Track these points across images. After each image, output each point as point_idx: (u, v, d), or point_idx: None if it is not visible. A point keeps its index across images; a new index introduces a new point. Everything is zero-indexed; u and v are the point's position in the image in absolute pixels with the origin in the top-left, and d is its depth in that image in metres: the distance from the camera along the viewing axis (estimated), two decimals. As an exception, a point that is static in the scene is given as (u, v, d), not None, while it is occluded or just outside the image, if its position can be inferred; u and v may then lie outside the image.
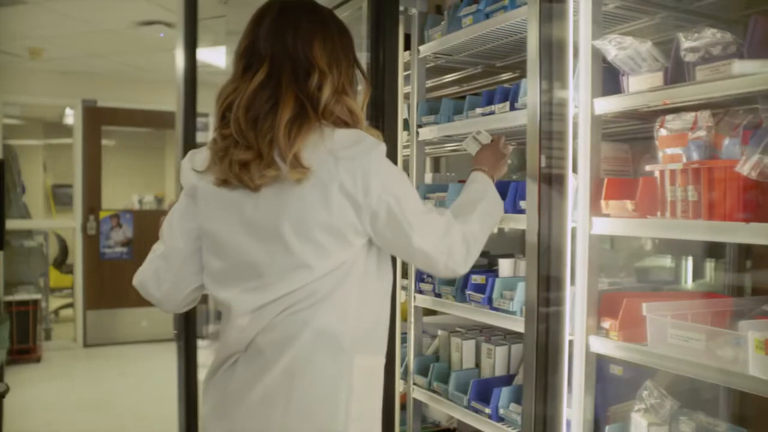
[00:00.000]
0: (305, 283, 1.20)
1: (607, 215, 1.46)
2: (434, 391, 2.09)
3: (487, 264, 2.22)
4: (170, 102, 6.53)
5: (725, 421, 1.52)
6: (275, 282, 1.21)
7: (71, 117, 7.04)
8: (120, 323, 6.06)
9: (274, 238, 1.20)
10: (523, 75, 2.23)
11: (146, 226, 6.25)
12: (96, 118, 6.04)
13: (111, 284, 6.02)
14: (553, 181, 1.44)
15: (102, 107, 6.06)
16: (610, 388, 1.65)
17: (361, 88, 1.36)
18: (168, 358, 5.72)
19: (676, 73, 1.34)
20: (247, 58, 1.25)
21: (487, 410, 1.85)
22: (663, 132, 1.37)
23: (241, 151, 1.18)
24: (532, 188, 1.45)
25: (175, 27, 4.32)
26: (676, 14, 1.68)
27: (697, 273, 1.74)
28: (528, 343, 1.49)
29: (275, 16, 1.26)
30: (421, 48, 2.15)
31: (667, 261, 1.79)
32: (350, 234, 1.21)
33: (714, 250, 1.74)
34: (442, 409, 2.10)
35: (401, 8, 2.14)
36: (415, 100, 2.19)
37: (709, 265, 1.71)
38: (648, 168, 1.40)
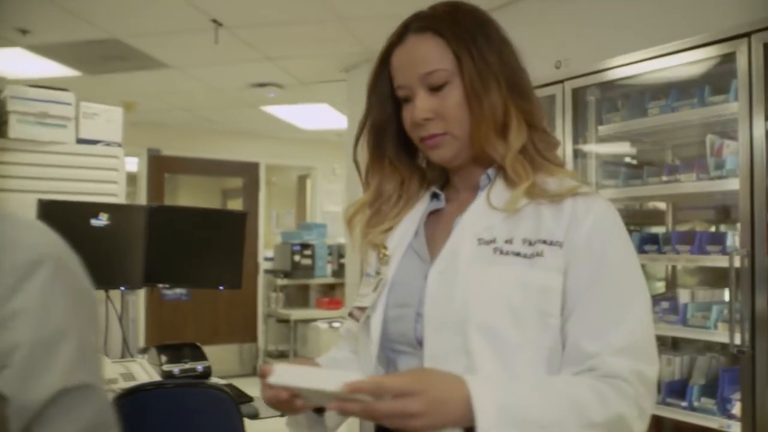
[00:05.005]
0: None
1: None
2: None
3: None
4: (230, 152, 6.93)
5: None
6: None
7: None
8: (177, 361, 6.31)
9: None
10: (655, 147, 2.94)
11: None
12: (160, 166, 6.42)
13: (171, 325, 6.30)
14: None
15: (165, 156, 6.45)
16: None
17: None
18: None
19: None
20: None
21: (683, 403, 2.44)
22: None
23: None
24: (760, 234, 2.10)
25: (285, 88, 4.86)
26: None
27: None
28: (760, 350, 2.10)
29: None
30: (600, 128, 2.79)
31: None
32: None
33: None
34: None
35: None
36: (594, 166, 2.83)
37: None
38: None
